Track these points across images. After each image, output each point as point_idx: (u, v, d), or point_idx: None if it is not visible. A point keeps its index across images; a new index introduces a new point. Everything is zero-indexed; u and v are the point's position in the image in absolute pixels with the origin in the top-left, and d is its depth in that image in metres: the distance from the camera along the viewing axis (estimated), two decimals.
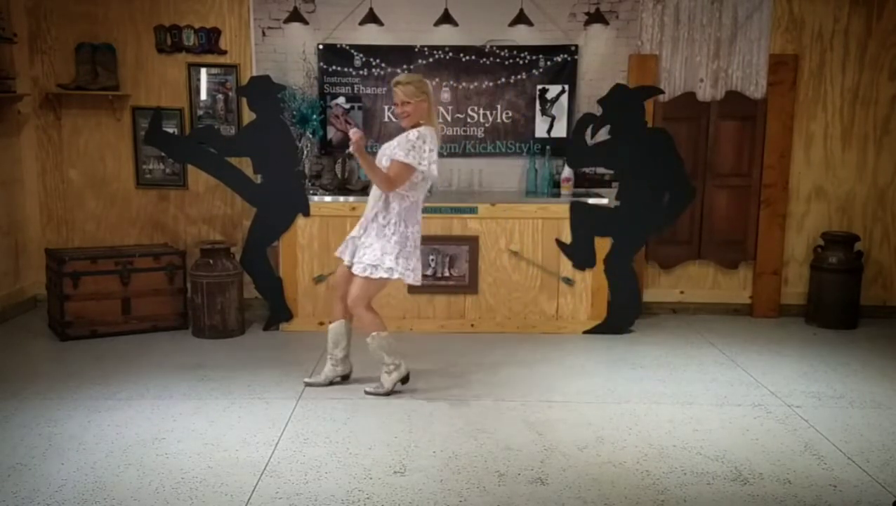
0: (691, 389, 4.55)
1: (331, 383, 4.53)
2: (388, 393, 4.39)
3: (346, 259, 4.37)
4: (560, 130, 6.10)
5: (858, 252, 5.97)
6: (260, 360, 5.01)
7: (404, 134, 4.26)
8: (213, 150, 5.50)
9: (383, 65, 6.03)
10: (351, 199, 5.60)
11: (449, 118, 6.11)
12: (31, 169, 6.14)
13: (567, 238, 5.58)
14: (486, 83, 6.07)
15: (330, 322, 4.53)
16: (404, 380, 4.45)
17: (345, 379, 4.58)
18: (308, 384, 4.53)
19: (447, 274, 5.59)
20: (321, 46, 6.01)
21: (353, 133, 4.17)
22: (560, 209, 5.57)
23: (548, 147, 6.06)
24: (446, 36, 5.91)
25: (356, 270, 4.26)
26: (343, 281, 4.41)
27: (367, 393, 4.40)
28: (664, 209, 5.58)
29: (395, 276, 4.23)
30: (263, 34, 6.02)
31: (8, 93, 5.74)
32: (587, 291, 5.63)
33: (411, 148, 4.15)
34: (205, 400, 4.29)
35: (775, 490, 3.35)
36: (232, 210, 6.21)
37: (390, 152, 4.22)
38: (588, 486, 3.35)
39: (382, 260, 4.20)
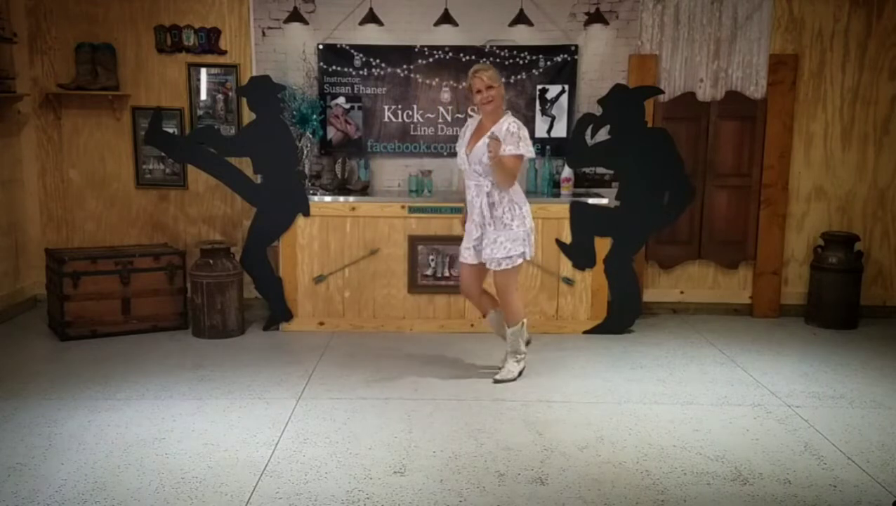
0: (691, 389, 4.55)
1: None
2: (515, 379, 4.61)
3: (472, 261, 4.52)
4: (560, 130, 6.10)
5: (858, 252, 5.97)
6: (260, 360, 5.01)
7: (499, 128, 4.33)
8: (213, 150, 5.50)
9: (383, 65, 6.03)
10: (351, 199, 5.61)
11: (449, 118, 6.11)
12: (31, 169, 6.15)
13: (567, 238, 5.58)
14: None
15: (483, 317, 4.83)
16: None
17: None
18: (498, 381, 4.62)
19: (447, 274, 5.58)
20: (321, 46, 6.01)
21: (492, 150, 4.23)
22: (560, 209, 5.57)
23: (548, 147, 6.07)
24: (446, 36, 5.91)
25: (493, 266, 4.45)
26: (472, 279, 4.59)
27: (498, 381, 4.57)
28: (664, 209, 5.58)
29: (529, 256, 4.43)
30: (263, 34, 6.02)
31: (8, 93, 5.74)
32: (587, 291, 5.63)
33: (519, 139, 4.27)
34: (205, 400, 4.29)
35: (775, 490, 3.35)
36: (232, 210, 6.21)
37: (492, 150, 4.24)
38: (588, 486, 3.36)
39: (514, 248, 4.37)
